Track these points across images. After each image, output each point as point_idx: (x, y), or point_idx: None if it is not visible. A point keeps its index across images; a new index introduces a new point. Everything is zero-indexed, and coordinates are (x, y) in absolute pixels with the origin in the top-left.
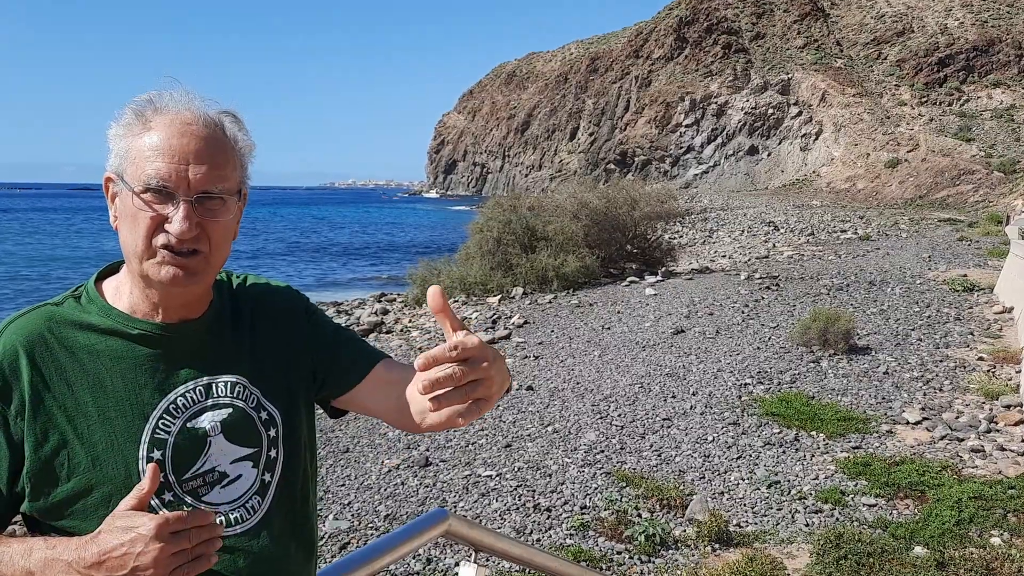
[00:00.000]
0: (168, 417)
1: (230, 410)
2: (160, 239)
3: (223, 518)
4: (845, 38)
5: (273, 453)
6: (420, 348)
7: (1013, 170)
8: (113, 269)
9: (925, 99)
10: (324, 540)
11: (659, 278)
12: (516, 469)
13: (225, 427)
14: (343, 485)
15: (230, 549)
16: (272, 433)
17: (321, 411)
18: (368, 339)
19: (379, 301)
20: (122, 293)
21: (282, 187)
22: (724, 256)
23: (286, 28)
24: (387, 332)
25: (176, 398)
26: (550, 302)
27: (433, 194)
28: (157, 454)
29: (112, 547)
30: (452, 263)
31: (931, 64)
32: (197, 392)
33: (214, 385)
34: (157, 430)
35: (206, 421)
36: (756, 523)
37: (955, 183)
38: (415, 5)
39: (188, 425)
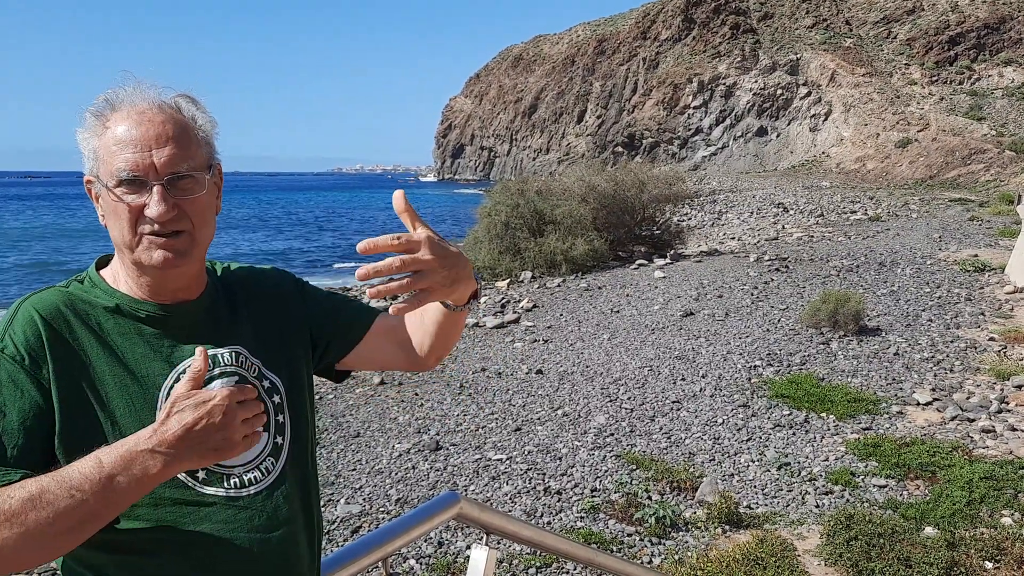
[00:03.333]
0: None
1: (236, 378)
2: (144, 227)
3: (237, 479)
4: (854, 17)
5: (280, 418)
6: None
7: None
8: (109, 259)
9: (935, 78)
10: (336, 524)
11: (668, 261)
12: (526, 452)
13: None
14: (354, 470)
15: (246, 508)
16: (276, 399)
17: (328, 395)
18: None
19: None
20: (119, 280)
21: (289, 172)
22: (733, 238)
23: (293, 14)
24: None
25: (185, 368)
26: (559, 286)
27: (431, 178)
28: None
29: (193, 420)
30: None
31: (941, 42)
32: None
33: (218, 355)
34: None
35: (216, 387)
36: (766, 505)
37: (966, 163)
38: None
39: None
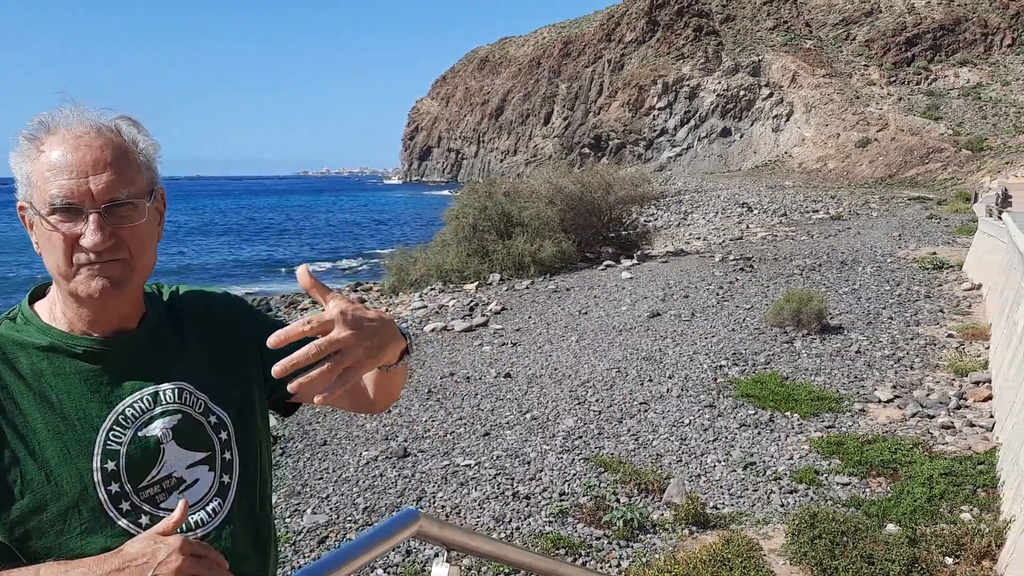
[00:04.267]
0: (118, 428)
1: (179, 416)
2: (80, 256)
3: (183, 524)
4: (814, 19)
5: (227, 456)
6: None
7: (981, 148)
8: (45, 289)
9: (894, 79)
10: (302, 535)
11: (635, 261)
12: (495, 457)
13: (176, 433)
14: (321, 478)
15: None
16: (223, 436)
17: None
18: None
19: (355, 291)
20: (56, 313)
21: (254, 176)
22: (699, 238)
23: (260, 15)
24: None
25: (124, 409)
26: (527, 288)
27: (395, 180)
28: (111, 465)
29: (135, 554)
30: (428, 250)
31: (899, 44)
32: (144, 401)
33: (160, 393)
34: (108, 441)
35: (157, 428)
36: (732, 505)
37: (924, 161)
38: None
39: (139, 434)
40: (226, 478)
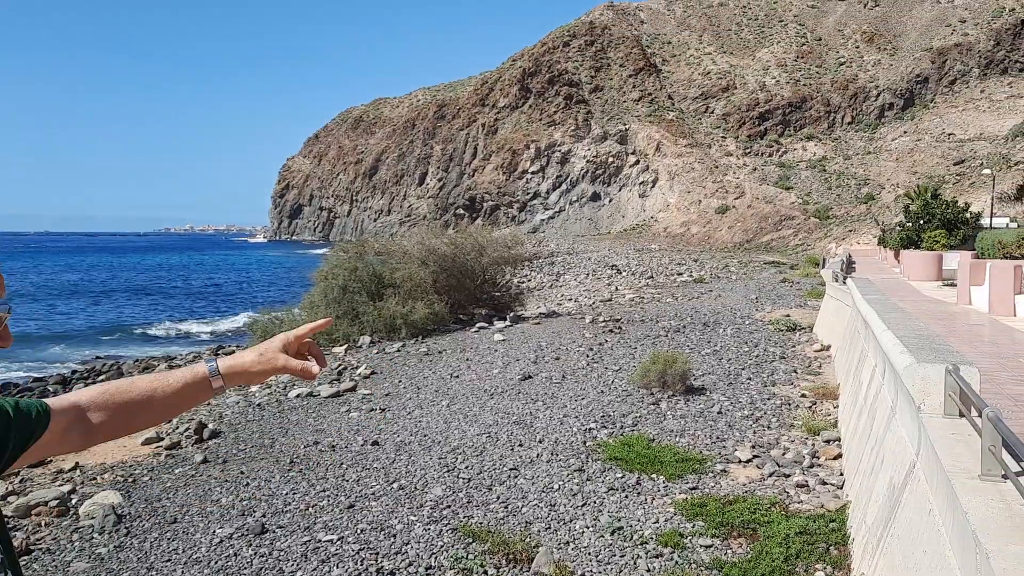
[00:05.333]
0: None
1: None
2: None
3: None
4: (676, 92)
5: None
6: (259, 405)
7: (827, 216)
8: None
9: (748, 150)
10: None
11: (508, 323)
12: (359, 531)
13: None
14: (168, 560)
15: None
16: None
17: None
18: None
19: (216, 354)
20: None
21: (111, 232)
22: (570, 299)
23: (119, 63)
24: None
25: None
26: (398, 350)
27: (261, 238)
28: None
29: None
30: (295, 312)
31: (752, 118)
32: None
33: None
34: None
35: None
36: (600, 572)
37: (777, 228)
38: (258, 48)
39: None
40: None
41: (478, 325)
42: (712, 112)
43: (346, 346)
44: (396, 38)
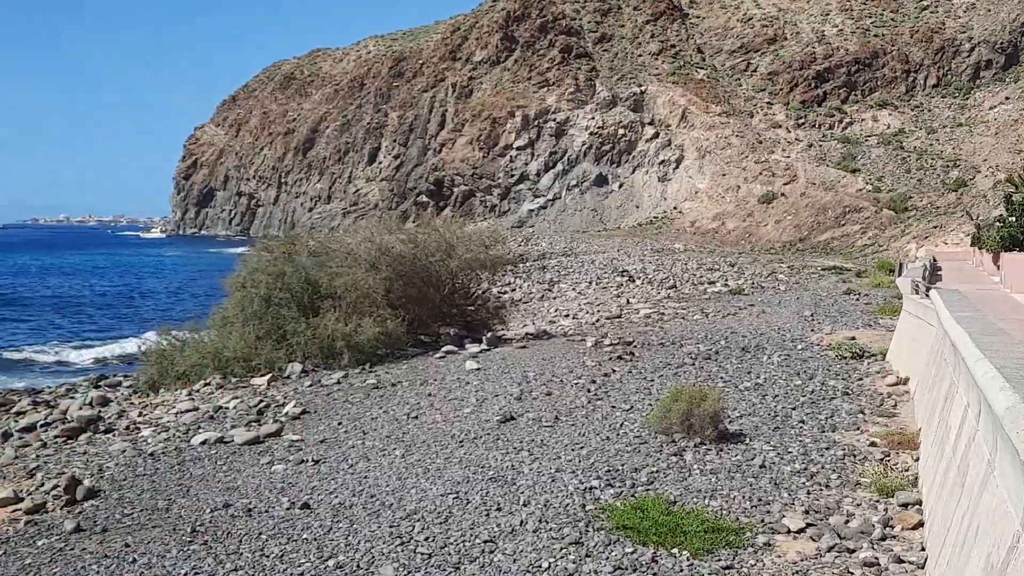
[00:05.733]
0: None
1: None
2: None
3: None
4: (707, 44)
5: None
6: (152, 455)
7: (905, 207)
8: None
9: (802, 121)
10: None
11: (484, 347)
12: None
13: None
14: None
15: None
16: None
17: None
18: (79, 441)
19: (96, 387)
20: None
21: None
22: (567, 315)
23: None
24: (107, 431)
25: None
26: (338, 383)
27: (158, 233)
28: None
29: None
30: (203, 331)
31: (807, 79)
32: None
33: None
34: None
35: None
36: None
37: (840, 223)
38: None
39: None
40: None
41: (444, 349)
42: (755, 71)
43: (269, 376)
44: None
